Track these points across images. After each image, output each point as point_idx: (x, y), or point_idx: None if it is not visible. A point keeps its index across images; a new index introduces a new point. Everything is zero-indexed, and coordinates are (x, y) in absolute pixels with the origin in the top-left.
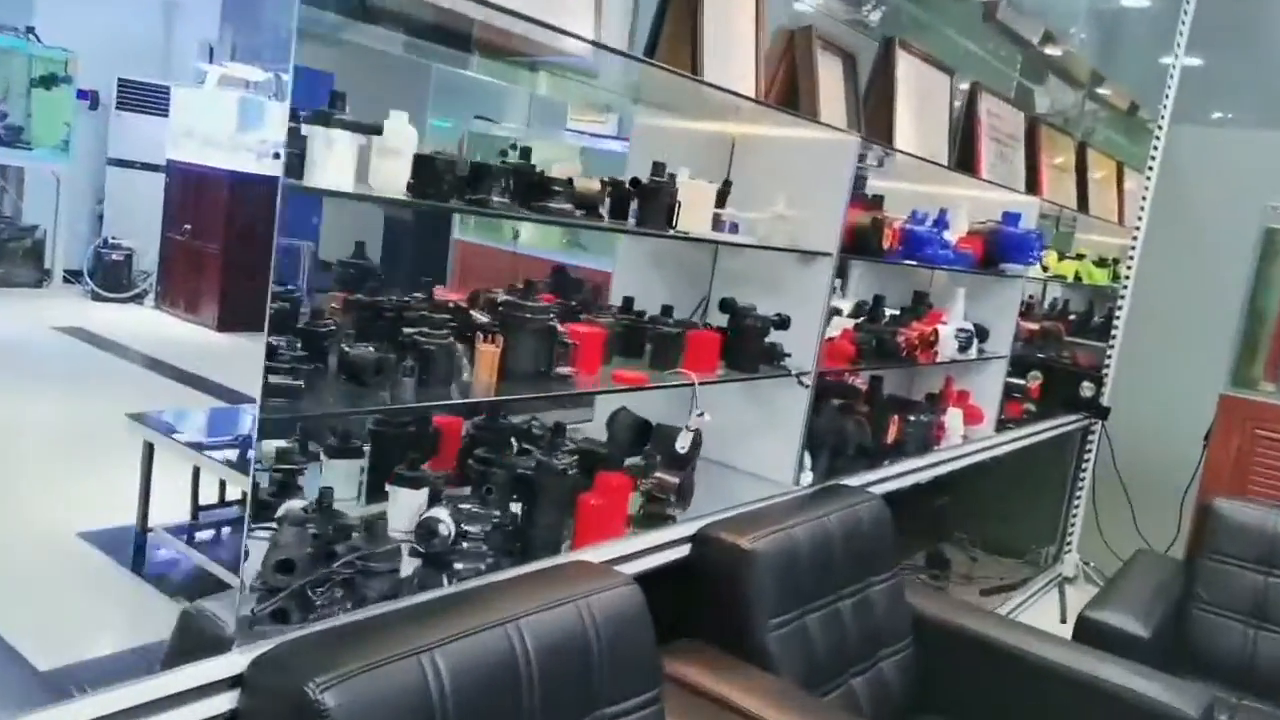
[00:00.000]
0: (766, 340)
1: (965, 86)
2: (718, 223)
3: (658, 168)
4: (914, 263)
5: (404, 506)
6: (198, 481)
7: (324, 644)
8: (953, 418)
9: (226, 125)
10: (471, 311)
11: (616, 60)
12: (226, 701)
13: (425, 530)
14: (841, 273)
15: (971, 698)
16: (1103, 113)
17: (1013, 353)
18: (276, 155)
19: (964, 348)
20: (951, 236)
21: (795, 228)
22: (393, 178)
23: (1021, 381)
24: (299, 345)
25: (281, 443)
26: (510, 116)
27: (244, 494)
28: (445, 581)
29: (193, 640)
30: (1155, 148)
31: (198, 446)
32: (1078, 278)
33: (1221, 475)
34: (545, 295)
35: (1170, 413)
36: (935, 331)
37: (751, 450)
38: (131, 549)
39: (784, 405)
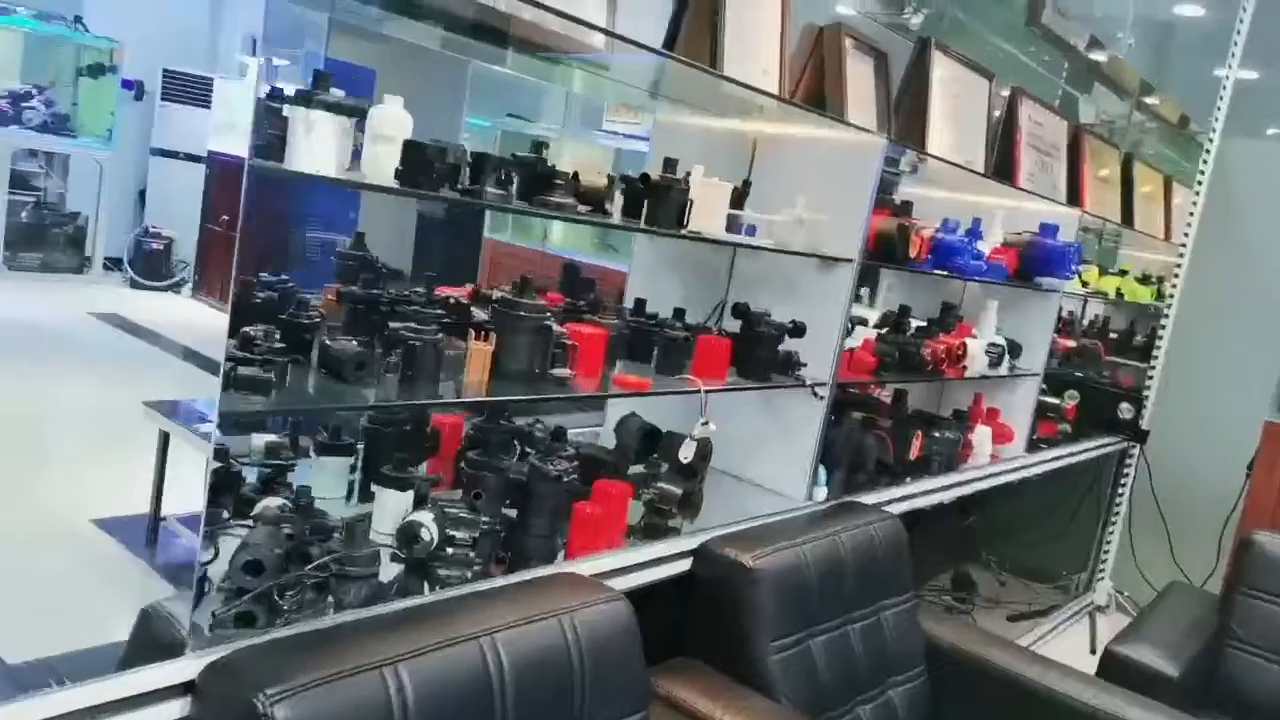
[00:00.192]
0: (781, 348)
1: (1006, 93)
2: (734, 224)
3: (669, 164)
4: (944, 273)
5: (389, 509)
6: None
7: (281, 652)
8: (981, 436)
9: None
10: (473, 309)
11: (638, 54)
12: (178, 708)
13: (406, 535)
14: (870, 282)
15: None
16: (1151, 124)
17: (1047, 370)
18: None
19: (995, 363)
20: (985, 247)
21: (815, 232)
22: (384, 164)
23: (1056, 401)
24: (278, 336)
25: (271, 437)
26: (547, 116)
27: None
28: (426, 589)
29: (149, 642)
30: (1205, 161)
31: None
32: (1119, 295)
33: (1264, 507)
34: (553, 295)
35: (1213, 439)
36: (963, 345)
37: (763, 463)
38: (144, 537)
39: (798, 417)
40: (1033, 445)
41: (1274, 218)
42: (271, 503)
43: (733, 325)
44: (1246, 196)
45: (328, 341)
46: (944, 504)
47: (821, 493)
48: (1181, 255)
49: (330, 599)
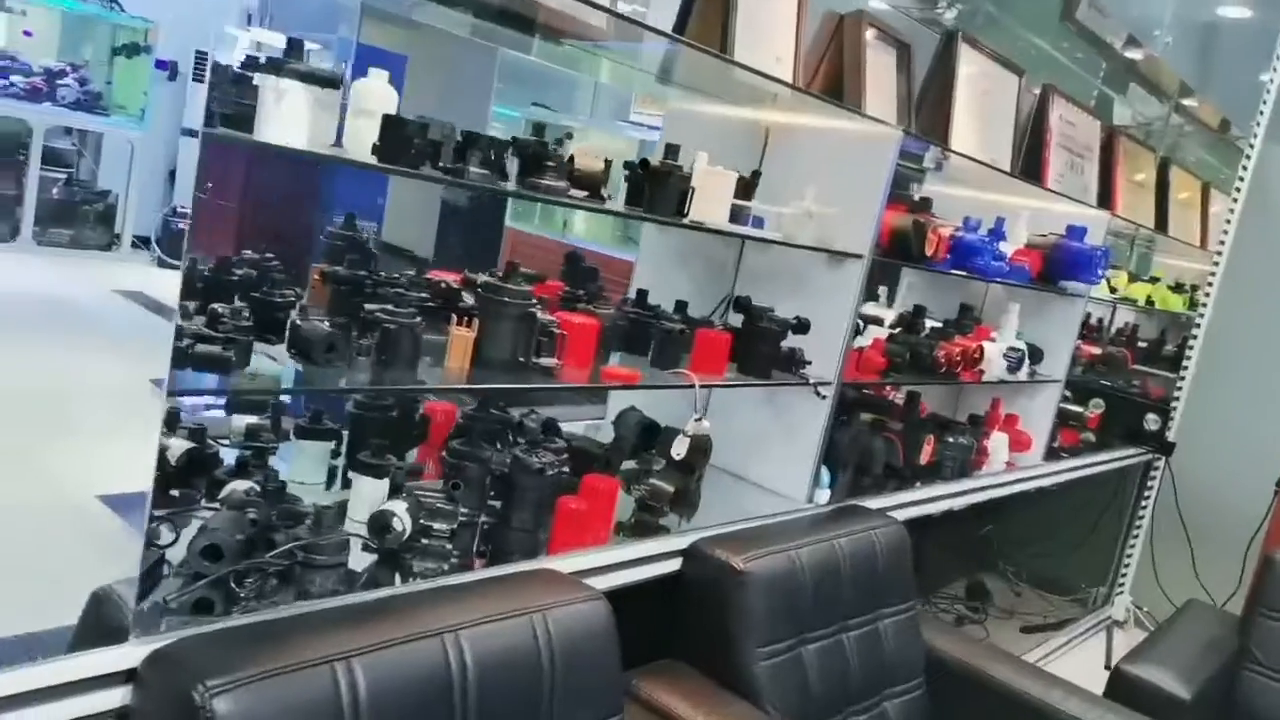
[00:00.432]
0: (784, 345)
1: (1037, 91)
2: (739, 215)
3: (671, 150)
4: (963, 273)
5: (364, 496)
6: None
7: (229, 643)
8: (997, 442)
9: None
10: (465, 294)
11: (653, 40)
12: (119, 697)
13: (377, 524)
14: (890, 281)
15: None
16: (1189, 128)
17: (1070, 377)
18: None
19: (1013, 368)
20: (1008, 248)
21: (825, 226)
22: (364, 139)
23: (1079, 409)
24: (246, 314)
25: (252, 419)
26: (575, 107)
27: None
28: (397, 581)
29: (96, 626)
30: (1245, 167)
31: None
32: (1150, 302)
33: None
34: (552, 283)
35: (1241, 454)
36: (980, 348)
37: (764, 462)
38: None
39: (802, 416)
40: (1051, 454)
41: None
42: (239, 486)
43: (738, 321)
44: None
45: (298, 321)
46: (955, 511)
47: (824, 495)
48: (1216, 263)
49: (295, 588)
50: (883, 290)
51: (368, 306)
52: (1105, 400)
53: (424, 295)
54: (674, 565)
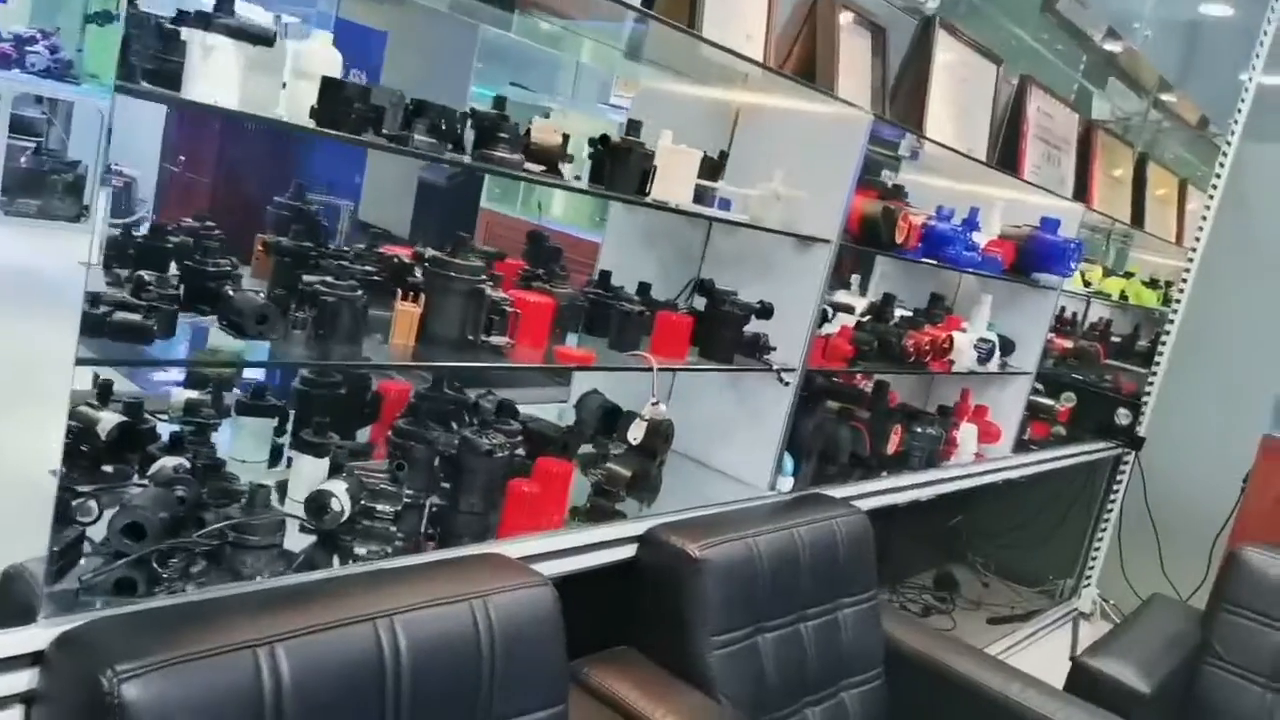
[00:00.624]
0: (749, 330)
1: (1016, 81)
2: (704, 195)
3: (633, 127)
4: (933, 262)
5: (304, 475)
6: None
7: (144, 625)
8: (966, 433)
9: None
10: (417, 269)
11: (618, 14)
12: (26, 680)
13: (314, 504)
14: (863, 270)
15: None
16: (1167, 123)
17: (1042, 370)
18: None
19: (984, 359)
20: (981, 238)
21: (793, 209)
22: (304, 103)
23: (1050, 402)
24: (175, 283)
25: (193, 394)
26: (555, 88)
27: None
28: (336, 563)
29: (5, 604)
30: (1221, 164)
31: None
32: (1124, 297)
33: (1257, 522)
34: (513, 261)
35: (1211, 450)
36: (950, 339)
37: (727, 449)
38: None
39: (766, 403)
40: (1021, 446)
41: None
42: (168, 463)
43: (703, 305)
44: (1262, 204)
45: (230, 292)
46: (924, 501)
47: (787, 483)
48: (1191, 260)
49: (226, 570)
50: (855, 279)
51: (306, 278)
52: (1077, 394)
53: (370, 269)
54: (630, 551)
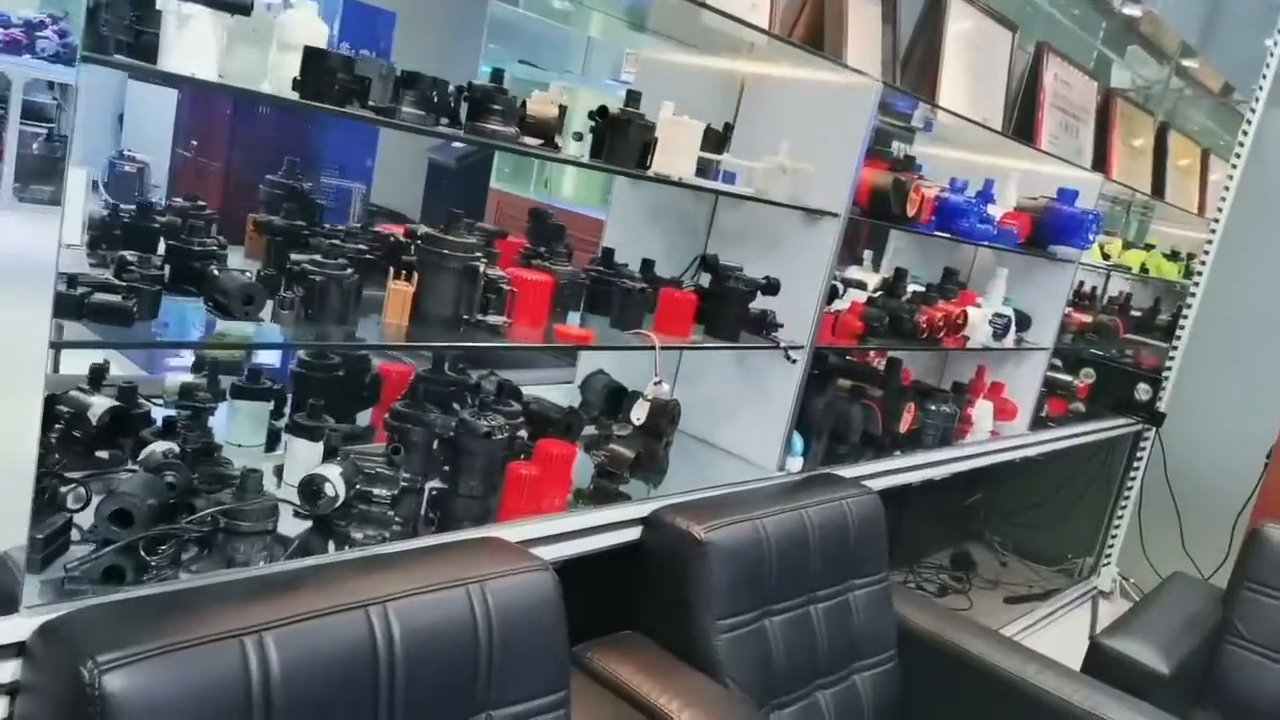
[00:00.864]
0: (754, 306)
1: (1032, 48)
2: (707, 169)
3: (633, 98)
4: (947, 235)
5: (299, 459)
6: None
7: (129, 614)
8: (981, 411)
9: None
10: (414, 248)
11: None
12: (9, 671)
13: (307, 489)
14: (876, 245)
15: None
16: (1189, 91)
17: (1059, 345)
18: None
19: (999, 335)
20: (996, 210)
21: (800, 182)
22: (287, 75)
23: (1068, 378)
24: (159, 263)
25: (188, 377)
26: (565, 64)
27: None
28: (332, 549)
29: None
30: (1245, 133)
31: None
32: (1144, 270)
33: None
34: (517, 240)
35: (1233, 425)
36: (964, 314)
37: (735, 429)
38: None
39: (774, 381)
40: (1038, 423)
41: None
42: (158, 448)
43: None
44: None
45: (215, 272)
46: (941, 480)
47: (796, 463)
48: (1213, 232)
49: (218, 556)
50: (868, 254)
51: (294, 257)
52: (1096, 369)
53: (363, 248)
54: (635, 534)
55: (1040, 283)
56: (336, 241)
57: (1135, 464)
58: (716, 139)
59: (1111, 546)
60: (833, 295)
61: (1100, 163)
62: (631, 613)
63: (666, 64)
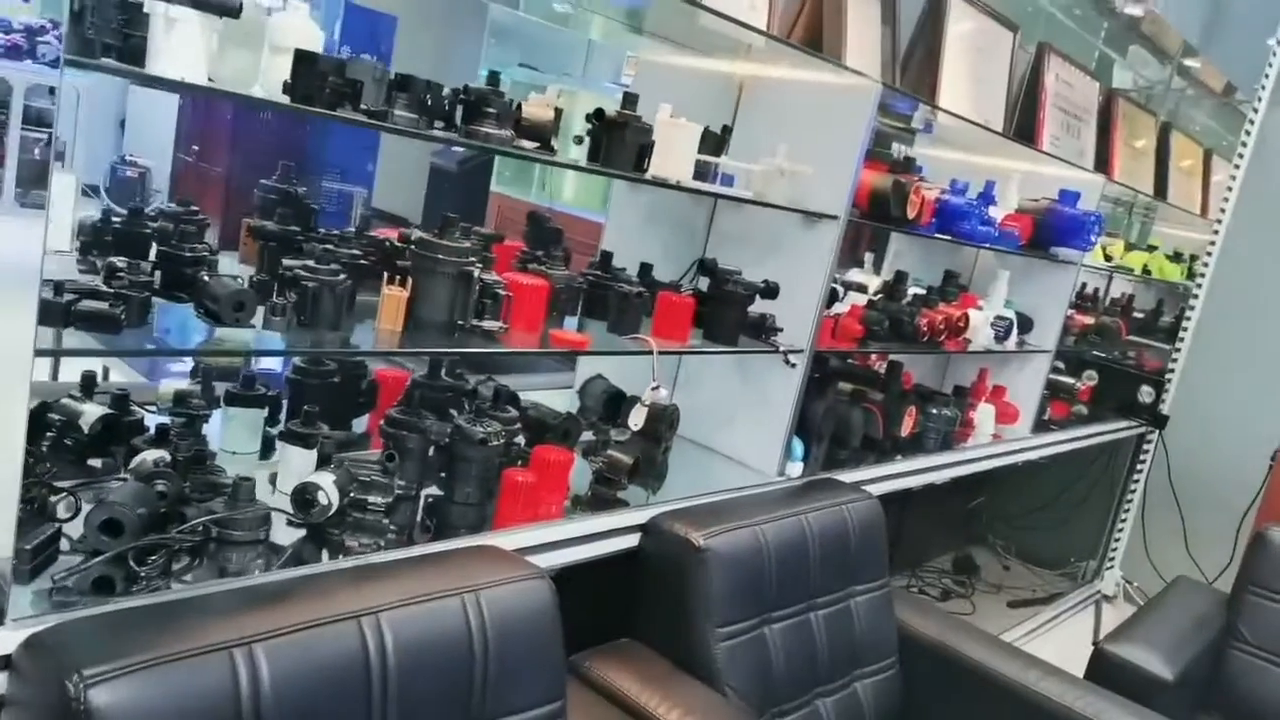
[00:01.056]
0: (753, 310)
1: (1033, 49)
2: (706, 172)
3: (629, 100)
4: (948, 238)
5: (293, 467)
6: None
7: (117, 627)
8: (983, 414)
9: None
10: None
11: None
12: None
13: (300, 497)
14: (877, 247)
15: None
16: (1191, 91)
17: (1062, 348)
18: None
19: (1001, 337)
20: (998, 212)
21: (798, 184)
22: (278, 78)
23: (1071, 380)
24: (149, 269)
25: (183, 384)
26: (565, 68)
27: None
28: (325, 558)
29: None
30: (1248, 133)
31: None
32: (1146, 271)
33: None
34: (512, 243)
35: (1237, 427)
36: (965, 317)
37: (734, 434)
38: None
39: (773, 386)
40: (1041, 426)
41: None
42: (149, 456)
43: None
44: None
45: (206, 278)
46: (943, 484)
47: (796, 468)
48: (1216, 233)
49: (210, 566)
50: (869, 256)
51: (286, 263)
52: (1098, 372)
53: (357, 253)
54: (633, 541)
55: (1042, 285)
56: (330, 246)
57: (1138, 467)
58: (715, 141)
59: (1115, 550)
60: (833, 298)
61: (1102, 164)
62: (629, 621)
63: (665, 66)
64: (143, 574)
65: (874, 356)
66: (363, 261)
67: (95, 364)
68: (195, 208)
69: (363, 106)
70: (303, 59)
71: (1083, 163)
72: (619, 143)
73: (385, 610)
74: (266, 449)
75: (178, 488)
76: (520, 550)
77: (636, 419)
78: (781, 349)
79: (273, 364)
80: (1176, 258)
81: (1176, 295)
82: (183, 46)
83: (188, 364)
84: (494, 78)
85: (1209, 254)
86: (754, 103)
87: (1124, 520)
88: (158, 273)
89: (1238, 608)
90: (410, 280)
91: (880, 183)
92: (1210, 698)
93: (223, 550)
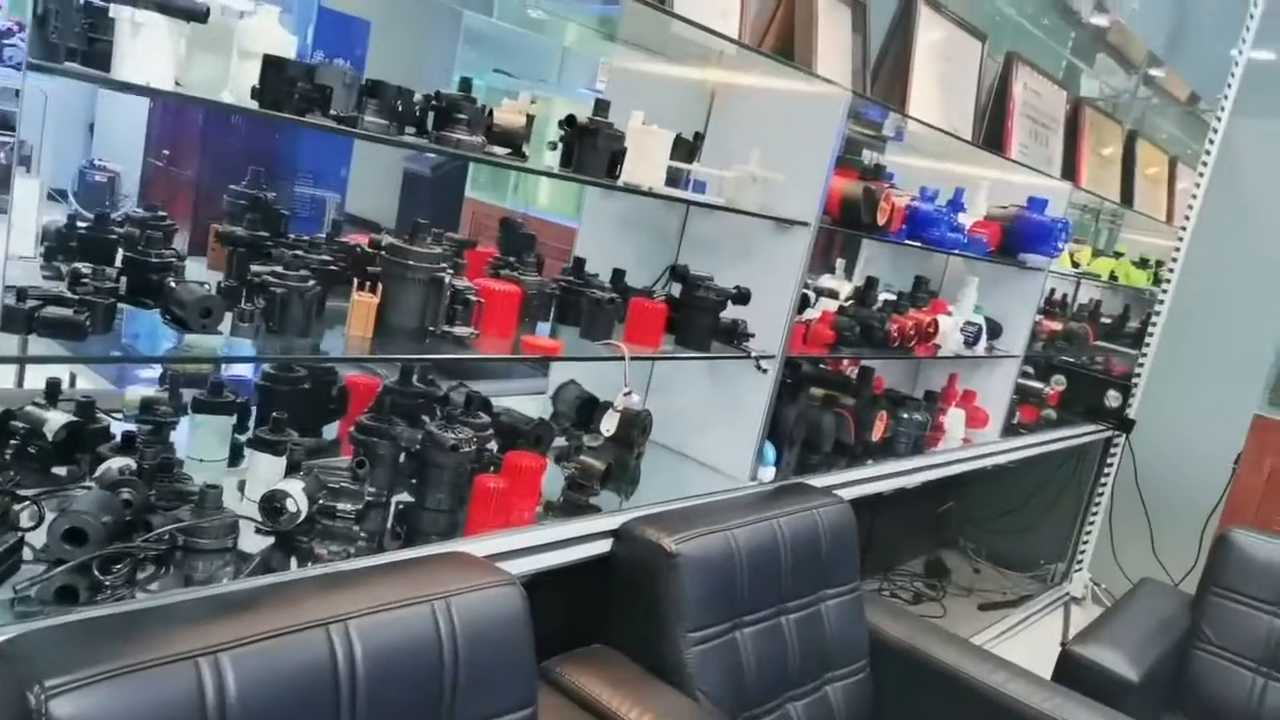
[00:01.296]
0: (725, 316)
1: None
2: (678, 179)
3: (601, 107)
4: (917, 244)
5: (261, 475)
6: None
7: (80, 637)
8: (953, 419)
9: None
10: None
11: None
12: None
13: (268, 505)
14: (849, 254)
15: None
16: (1156, 100)
17: (1030, 353)
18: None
19: (970, 343)
20: (967, 219)
21: (770, 191)
22: (247, 84)
23: (1039, 385)
24: (114, 275)
25: (149, 391)
26: (539, 74)
27: None
28: (294, 565)
29: None
30: (1211, 141)
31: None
32: (1113, 277)
33: (1248, 504)
34: (485, 249)
35: (1201, 431)
36: (934, 322)
37: (707, 439)
38: None
39: (745, 391)
40: (1010, 430)
41: (1278, 205)
42: (115, 464)
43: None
44: (1252, 180)
45: (173, 284)
46: (914, 488)
47: (768, 473)
48: (1181, 239)
49: (176, 574)
50: (840, 262)
51: (255, 269)
52: (1066, 377)
53: (327, 259)
54: (605, 546)
55: (1011, 291)
56: (300, 252)
57: (1106, 471)
58: (687, 148)
59: (1083, 552)
60: (804, 304)
61: (1070, 171)
62: (601, 626)
63: (638, 73)
64: (107, 583)
65: (845, 362)
66: (333, 267)
67: (62, 371)
68: (163, 213)
69: (333, 112)
70: (271, 64)
71: (1050, 170)
72: (591, 149)
73: (354, 618)
74: (235, 456)
75: (143, 495)
76: (492, 556)
77: (609, 425)
78: (753, 354)
79: (243, 370)
80: (1143, 264)
81: (1143, 301)
82: (149, 51)
83: (156, 371)
84: (466, 84)
85: (1174, 260)
86: (726, 110)
87: (1092, 523)
88: (124, 279)
89: (1201, 609)
90: (381, 286)
91: (851, 190)
92: (1175, 698)
93: (189, 559)
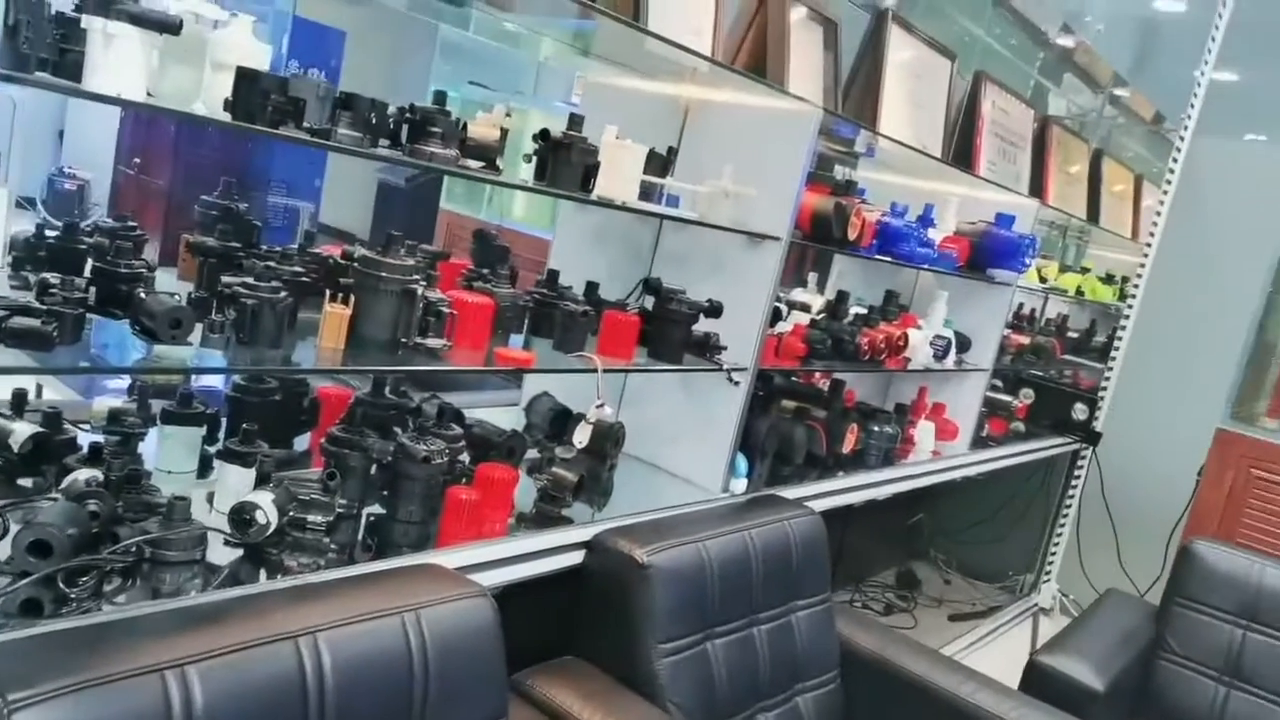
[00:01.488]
0: (697, 329)
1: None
2: (652, 193)
3: (575, 121)
4: (887, 259)
5: (230, 486)
6: None
7: (44, 650)
8: (923, 431)
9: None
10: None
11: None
12: None
13: (238, 516)
14: (821, 268)
15: None
16: (1122, 119)
17: (999, 366)
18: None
19: (940, 356)
20: (936, 235)
21: (743, 206)
22: (220, 95)
23: (1008, 398)
24: (83, 285)
25: (116, 402)
26: (514, 87)
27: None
28: (264, 577)
29: None
30: (1175, 159)
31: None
32: (1080, 293)
33: (1210, 515)
34: (458, 261)
35: (1166, 444)
36: (905, 336)
37: (679, 451)
38: None
39: (717, 404)
40: (979, 443)
41: (1239, 223)
42: (81, 475)
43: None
44: (1215, 198)
45: (143, 294)
46: (885, 499)
47: (740, 484)
48: (1146, 255)
49: (143, 587)
50: (813, 276)
51: (225, 280)
52: (1034, 390)
53: (299, 270)
54: (577, 558)
55: (980, 305)
56: (272, 263)
57: (1073, 482)
58: (660, 163)
59: (1051, 564)
60: (776, 317)
61: (1037, 188)
62: (573, 638)
63: (612, 88)
64: (73, 596)
65: (817, 374)
66: (305, 279)
67: (28, 381)
68: (133, 223)
69: (306, 124)
70: (244, 76)
71: (1018, 187)
72: (565, 163)
73: (323, 630)
74: (204, 468)
75: (110, 507)
76: (463, 568)
77: (582, 436)
78: (725, 367)
79: (213, 381)
80: (1109, 279)
81: (1109, 316)
82: (121, 62)
83: (124, 381)
84: (440, 97)
85: (1139, 276)
86: (699, 125)
87: (1060, 534)
88: (93, 289)
89: (1166, 619)
90: (353, 298)
91: (822, 205)
92: (1139, 707)
93: (156, 571)
